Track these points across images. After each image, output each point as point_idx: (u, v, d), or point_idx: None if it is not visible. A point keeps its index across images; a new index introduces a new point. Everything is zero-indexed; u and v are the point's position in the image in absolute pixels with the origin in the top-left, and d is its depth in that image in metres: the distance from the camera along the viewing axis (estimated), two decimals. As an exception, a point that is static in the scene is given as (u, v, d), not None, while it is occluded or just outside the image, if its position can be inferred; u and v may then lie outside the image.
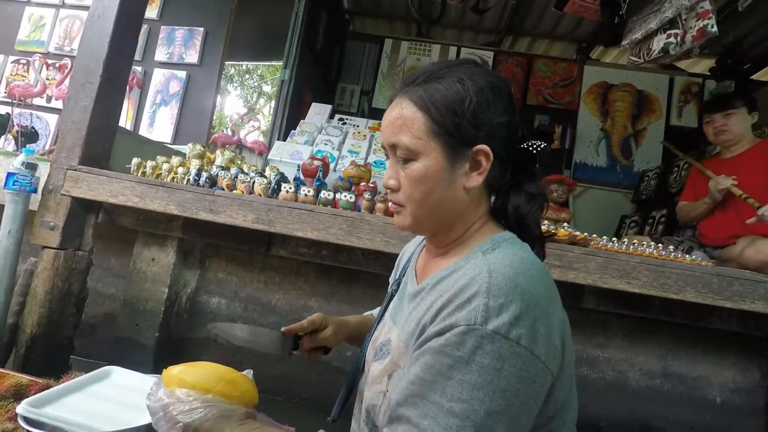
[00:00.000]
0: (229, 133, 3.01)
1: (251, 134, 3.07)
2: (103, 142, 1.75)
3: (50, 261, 1.62)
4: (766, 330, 1.66)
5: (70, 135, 1.66)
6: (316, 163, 1.94)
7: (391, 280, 0.91)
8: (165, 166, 1.75)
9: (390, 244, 1.53)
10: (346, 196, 1.69)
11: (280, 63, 3.59)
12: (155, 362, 1.85)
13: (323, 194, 1.71)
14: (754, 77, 4.37)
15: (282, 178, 1.82)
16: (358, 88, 4.78)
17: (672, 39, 1.71)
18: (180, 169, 1.76)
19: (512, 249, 0.64)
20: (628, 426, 1.78)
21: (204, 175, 1.73)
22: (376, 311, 0.98)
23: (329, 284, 1.95)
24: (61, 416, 0.79)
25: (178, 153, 2.23)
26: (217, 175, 1.76)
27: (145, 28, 3.54)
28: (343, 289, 1.95)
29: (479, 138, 0.64)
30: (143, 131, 3.44)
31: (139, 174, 1.77)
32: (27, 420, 0.77)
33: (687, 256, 1.62)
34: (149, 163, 1.76)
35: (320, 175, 1.81)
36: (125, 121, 3.45)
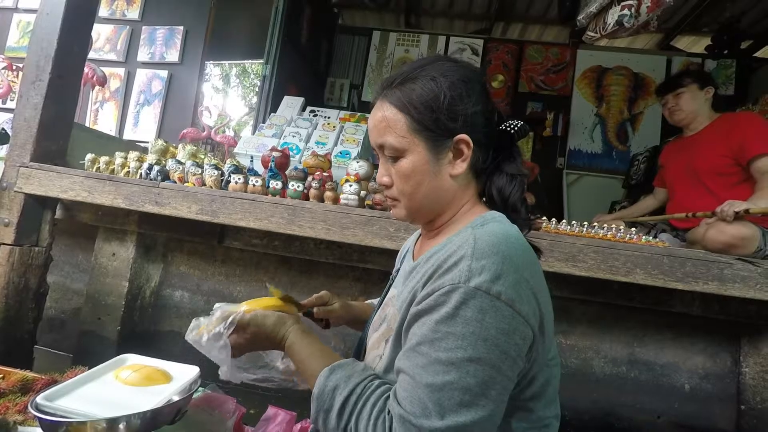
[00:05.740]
0: (201, 128, 3.02)
1: (221, 129, 3.08)
2: (57, 139, 1.78)
3: (5, 257, 1.65)
4: (733, 314, 1.58)
5: (22, 132, 1.69)
6: (275, 154, 1.93)
7: (393, 272, 0.96)
8: (118, 161, 1.76)
9: (331, 231, 1.51)
10: (293, 185, 1.67)
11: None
12: (117, 355, 1.87)
13: (272, 184, 1.70)
14: (757, 54, 4.19)
15: (235, 170, 1.81)
16: (348, 82, 4.75)
17: (626, 11, 1.64)
18: (133, 164, 1.77)
19: (500, 225, 0.68)
20: (593, 415, 1.73)
21: (155, 168, 1.74)
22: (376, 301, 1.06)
23: (289, 275, 1.95)
24: (75, 408, 0.78)
25: (145, 149, 2.25)
26: (169, 168, 1.77)
27: (127, 29, 3.60)
28: (302, 280, 1.93)
29: (458, 129, 0.69)
30: (128, 131, 3.49)
31: (94, 170, 1.79)
32: (39, 409, 0.76)
33: (644, 237, 1.55)
34: (102, 159, 1.77)
35: (272, 166, 1.79)
36: (111, 122, 3.52)
